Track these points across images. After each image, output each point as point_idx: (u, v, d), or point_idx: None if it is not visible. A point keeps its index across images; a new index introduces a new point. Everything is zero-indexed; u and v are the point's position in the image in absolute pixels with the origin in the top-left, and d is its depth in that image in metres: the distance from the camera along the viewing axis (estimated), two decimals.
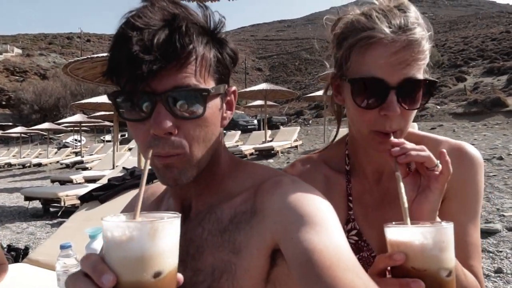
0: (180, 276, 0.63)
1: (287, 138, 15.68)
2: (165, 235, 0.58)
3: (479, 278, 0.97)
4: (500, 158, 8.64)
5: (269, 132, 18.17)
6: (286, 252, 0.72)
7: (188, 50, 0.71)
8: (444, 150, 0.84)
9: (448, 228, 0.71)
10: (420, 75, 0.92)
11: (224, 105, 0.83)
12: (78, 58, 6.99)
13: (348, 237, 1.04)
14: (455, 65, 32.89)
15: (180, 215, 0.61)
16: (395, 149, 0.85)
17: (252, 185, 0.84)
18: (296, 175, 1.12)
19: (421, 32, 0.91)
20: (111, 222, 0.57)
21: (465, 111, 20.27)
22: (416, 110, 0.95)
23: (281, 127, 24.00)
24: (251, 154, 15.09)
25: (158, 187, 1.05)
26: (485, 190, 6.21)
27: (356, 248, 1.06)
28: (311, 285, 0.65)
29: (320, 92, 17.33)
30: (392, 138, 0.89)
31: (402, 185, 0.80)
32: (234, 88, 0.86)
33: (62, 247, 1.65)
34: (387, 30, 0.88)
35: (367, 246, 1.06)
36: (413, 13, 0.94)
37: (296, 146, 15.83)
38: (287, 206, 0.75)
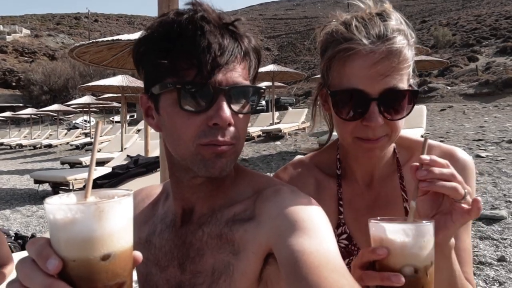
0: (137, 255, 0.62)
1: (294, 120, 15.63)
2: (113, 216, 0.55)
3: (472, 285, 0.98)
4: (510, 142, 8.53)
5: (276, 113, 18.10)
6: (279, 254, 0.75)
7: (246, 54, 0.81)
8: (479, 199, 0.77)
9: (429, 226, 0.73)
10: (403, 84, 0.92)
11: None
12: (84, 43, 6.95)
13: (338, 241, 1.05)
14: (467, 45, 32.17)
15: (131, 192, 0.60)
16: (422, 172, 0.76)
17: (253, 193, 0.88)
18: (287, 178, 1.13)
19: (402, 41, 0.90)
20: (53, 205, 0.54)
21: (476, 92, 19.92)
22: (403, 118, 0.95)
23: (289, 108, 23.90)
24: (259, 136, 15.10)
25: (152, 189, 1.07)
26: (492, 175, 6.18)
27: (347, 251, 1.07)
28: (298, 282, 0.67)
29: None
30: (422, 155, 0.78)
31: (412, 217, 0.77)
32: None
33: None
34: (366, 41, 0.88)
35: (357, 250, 1.07)
36: (394, 20, 0.93)
37: (304, 128, 15.77)
38: (282, 213, 0.78)
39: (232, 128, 0.78)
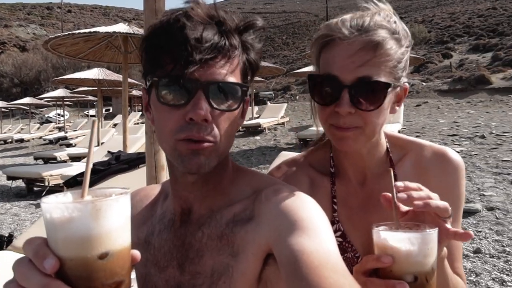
0: (135, 254, 0.62)
1: (274, 115, 15.68)
2: (110, 215, 0.55)
3: (463, 279, 1.02)
4: (482, 137, 8.81)
5: (255, 108, 18.09)
6: (278, 254, 0.75)
7: (233, 50, 0.79)
8: (471, 233, 0.79)
9: (433, 234, 0.74)
10: (380, 78, 0.93)
11: (242, 108, 0.87)
12: (59, 34, 6.77)
13: None
14: (442, 42, 32.90)
15: (128, 191, 0.59)
16: (402, 195, 0.78)
17: (252, 193, 0.88)
18: (281, 177, 1.13)
19: (384, 35, 0.93)
20: (49, 204, 0.54)
21: (450, 88, 20.44)
22: (381, 112, 0.96)
23: (268, 102, 23.93)
24: (238, 131, 15.07)
25: (151, 189, 1.06)
26: (466, 170, 6.34)
27: (341, 249, 1.07)
28: (298, 282, 0.67)
29: (307, 68, 17.24)
30: (396, 182, 0.80)
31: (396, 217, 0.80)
32: (248, 98, 0.89)
33: None
34: (345, 31, 0.93)
35: (351, 247, 1.08)
36: (382, 17, 0.97)
37: (283, 123, 15.84)
38: (282, 212, 0.78)
39: (210, 125, 0.77)
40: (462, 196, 1.07)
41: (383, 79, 0.93)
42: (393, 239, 0.75)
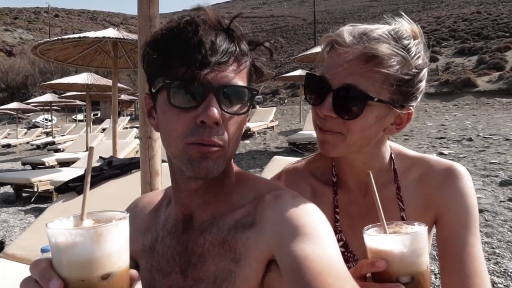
0: (134, 273, 0.65)
1: (263, 119, 15.70)
2: (111, 239, 0.59)
3: None
4: (470, 140, 8.93)
5: None
6: (281, 260, 0.74)
7: (244, 55, 0.80)
8: None
9: (424, 233, 0.76)
10: (367, 89, 0.92)
11: (247, 114, 0.88)
12: (49, 39, 6.70)
13: None
14: (428, 45, 32.95)
15: (127, 215, 0.63)
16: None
17: (254, 198, 0.88)
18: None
19: (383, 49, 0.91)
20: (54, 229, 0.59)
21: (437, 91, 20.68)
22: (364, 123, 0.95)
23: (257, 106, 23.95)
24: None
25: (155, 195, 1.06)
26: None
27: (343, 259, 1.08)
28: None
29: (296, 72, 17.30)
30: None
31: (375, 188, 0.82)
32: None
33: (43, 251, 1.63)
34: (347, 39, 0.94)
35: (353, 257, 1.07)
36: (393, 33, 0.96)
37: (273, 127, 15.87)
38: (284, 218, 0.78)
39: (220, 129, 0.77)
40: (474, 203, 1.02)
41: (370, 92, 0.92)
42: (385, 242, 0.76)
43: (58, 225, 0.61)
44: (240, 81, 0.79)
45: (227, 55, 0.76)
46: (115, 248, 0.60)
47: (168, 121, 0.79)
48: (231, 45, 0.78)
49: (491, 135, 9.36)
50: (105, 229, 0.58)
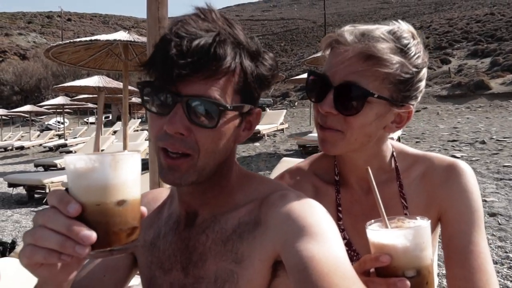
0: (144, 210, 0.67)
1: (273, 121, 15.67)
2: (126, 167, 0.62)
3: None
4: (483, 142, 8.81)
5: None
6: (287, 260, 0.74)
7: (219, 65, 0.75)
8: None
9: (427, 227, 0.75)
10: (368, 87, 0.94)
11: (244, 123, 0.86)
12: (61, 43, 6.78)
13: None
14: (440, 47, 33.01)
15: (140, 152, 0.67)
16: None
17: (258, 197, 0.87)
18: None
19: (382, 48, 0.94)
20: (74, 156, 0.62)
21: (449, 94, 20.47)
22: (363, 120, 0.97)
23: (267, 109, 23.96)
24: None
25: (159, 192, 1.07)
26: None
27: None
28: None
29: (306, 75, 17.21)
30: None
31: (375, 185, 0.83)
32: (258, 110, 0.88)
33: None
34: (348, 38, 0.96)
35: (357, 256, 1.08)
36: (392, 32, 0.98)
37: (283, 129, 15.85)
38: (289, 218, 0.78)
39: (187, 138, 0.76)
40: (478, 199, 1.02)
41: (371, 89, 0.94)
42: (388, 237, 0.75)
43: (76, 155, 0.63)
44: (217, 91, 0.76)
45: (197, 66, 0.73)
46: (131, 177, 0.63)
47: (149, 123, 0.83)
48: (205, 55, 0.73)
49: (504, 138, 9.22)
50: (122, 157, 0.62)
